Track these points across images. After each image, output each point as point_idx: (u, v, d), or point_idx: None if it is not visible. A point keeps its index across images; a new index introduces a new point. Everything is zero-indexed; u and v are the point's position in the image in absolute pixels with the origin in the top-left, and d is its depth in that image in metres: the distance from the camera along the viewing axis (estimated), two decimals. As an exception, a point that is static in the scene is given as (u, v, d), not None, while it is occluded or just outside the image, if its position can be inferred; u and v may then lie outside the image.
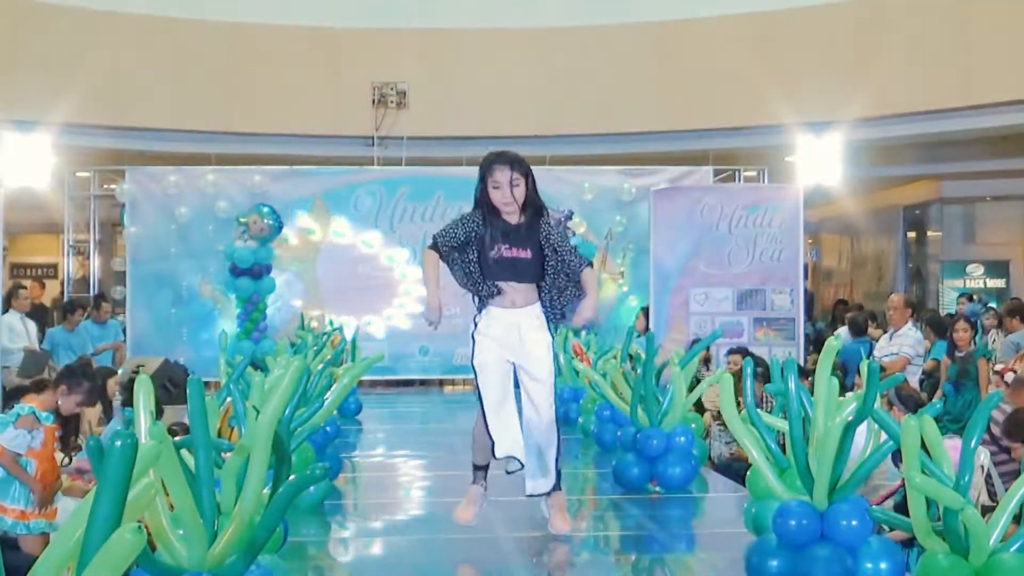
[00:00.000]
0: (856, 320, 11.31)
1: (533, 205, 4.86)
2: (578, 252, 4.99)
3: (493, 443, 4.74)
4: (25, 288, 11.38)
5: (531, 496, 4.93)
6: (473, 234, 4.78)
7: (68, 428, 5.88)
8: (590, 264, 5.03)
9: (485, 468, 4.97)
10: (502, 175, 4.77)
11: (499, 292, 4.80)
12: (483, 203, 4.82)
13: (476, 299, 4.88)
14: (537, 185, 4.89)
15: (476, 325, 4.86)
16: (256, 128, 14.34)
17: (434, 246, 4.82)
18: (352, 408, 10.18)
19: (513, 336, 4.82)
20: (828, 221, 19.40)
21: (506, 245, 4.78)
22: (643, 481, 6.34)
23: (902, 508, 4.91)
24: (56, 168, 13.35)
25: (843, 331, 11.38)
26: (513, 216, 4.82)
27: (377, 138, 14.45)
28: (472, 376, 4.84)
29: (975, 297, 14.26)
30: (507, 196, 4.76)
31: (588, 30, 14.61)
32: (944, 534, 3.65)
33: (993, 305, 12.68)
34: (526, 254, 4.80)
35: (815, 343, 12.28)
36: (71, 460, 5.98)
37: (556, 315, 4.92)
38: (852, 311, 13.49)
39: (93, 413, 7.33)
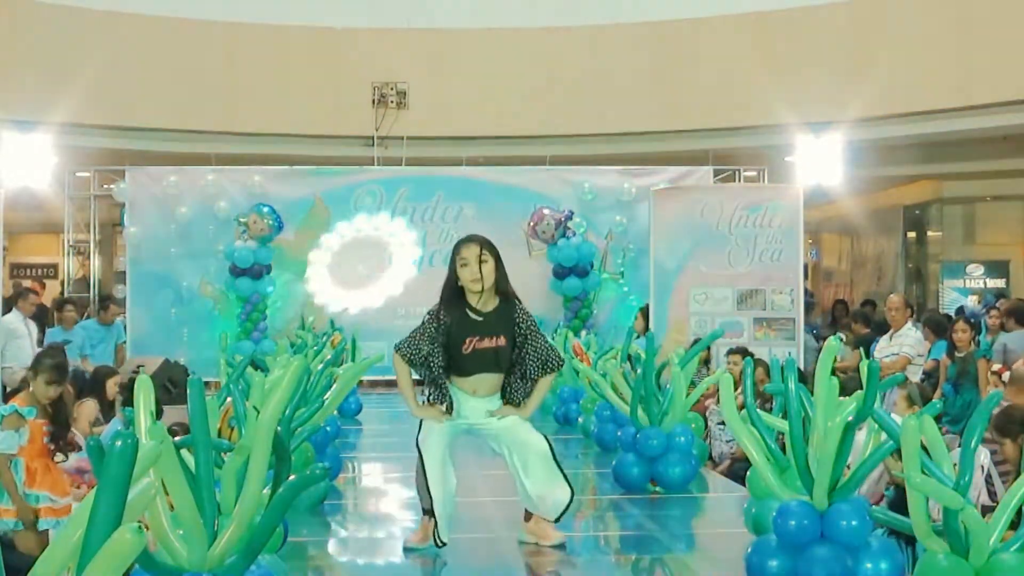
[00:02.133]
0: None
1: (503, 290, 4.86)
2: (554, 349, 5.02)
3: (436, 527, 4.82)
4: (36, 293, 11.36)
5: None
6: (438, 333, 4.78)
7: (59, 423, 5.86)
8: (559, 367, 5.03)
9: (429, 511, 4.93)
10: (469, 252, 4.80)
11: (460, 384, 4.82)
12: (451, 292, 4.83)
13: (429, 393, 4.88)
14: (502, 268, 4.86)
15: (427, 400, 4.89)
16: (256, 128, 14.34)
17: (399, 351, 4.85)
18: (352, 408, 10.19)
19: (470, 420, 4.87)
20: (828, 221, 19.40)
21: (476, 336, 4.78)
22: (643, 481, 6.34)
23: (897, 507, 4.92)
24: (56, 168, 13.35)
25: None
26: (481, 301, 4.81)
27: (377, 138, 14.46)
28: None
29: (978, 298, 14.24)
30: (475, 272, 4.76)
31: (588, 30, 14.62)
32: (944, 534, 3.65)
33: (995, 305, 12.65)
34: (501, 342, 4.82)
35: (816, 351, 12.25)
36: (67, 458, 5.97)
37: (515, 398, 4.91)
38: (849, 313, 13.48)
39: (90, 413, 7.32)
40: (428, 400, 4.85)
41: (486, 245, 4.84)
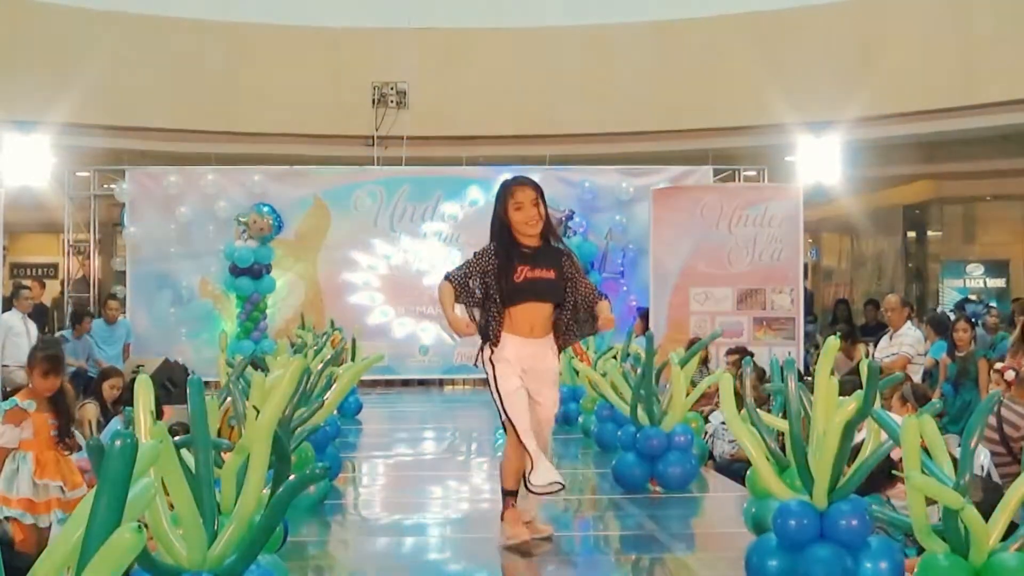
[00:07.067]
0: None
1: (549, 230, 4.97)
2: (594, 286, 5.09)
3: (531, 468, 4.73)
4: (29, 289, 11.36)
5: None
6: (490, 267, 4.83)
7: (61, 416, 5.85)
8: (605, 297, 5.07)
9: (515, 493, 4.94)
10: (524, 195, 4.88)
11: (516, 320, 4.83)
12: (501, 229, 4.89)
13: (491, 332, 4.85)
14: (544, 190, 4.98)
15: (492, 351, 4.86)
16: (256, 128, 14.34)
17: (449, 279, 4.87)
18: (352, 408, 10.19)
19: (526, 363, 4.86)
20: (828, 221, 19.39)
21: (528, 267, 4.85)
22: (643, 481, 6.33)
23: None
24: (56, 168, 13.35)
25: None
26: (532, 240, 4.91)
27: (377, 138, 14.46)
28: (495, 390, 4.84)
29: (977, 297, 14.25)
30: (531, 215, 4.85)
31: (588, 30, 14.62)
32: (944, 534, 3.64)
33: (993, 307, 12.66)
34: (550, 275, 4.89)
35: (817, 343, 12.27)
36: (71, 453, 5.97)
37: (570, 339, 5.00)
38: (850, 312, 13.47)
39: (91, 415, 7.33)
40: (492, 340, 4.82)
41: (539, 190, 4.93)
